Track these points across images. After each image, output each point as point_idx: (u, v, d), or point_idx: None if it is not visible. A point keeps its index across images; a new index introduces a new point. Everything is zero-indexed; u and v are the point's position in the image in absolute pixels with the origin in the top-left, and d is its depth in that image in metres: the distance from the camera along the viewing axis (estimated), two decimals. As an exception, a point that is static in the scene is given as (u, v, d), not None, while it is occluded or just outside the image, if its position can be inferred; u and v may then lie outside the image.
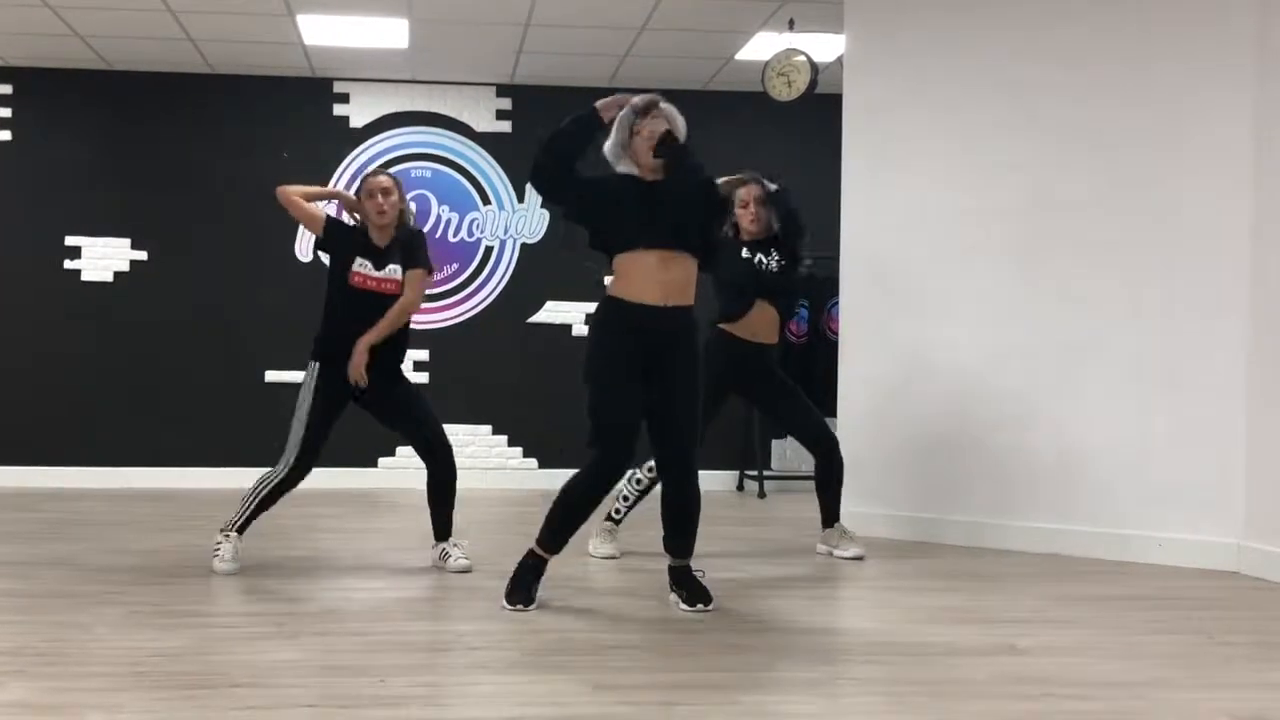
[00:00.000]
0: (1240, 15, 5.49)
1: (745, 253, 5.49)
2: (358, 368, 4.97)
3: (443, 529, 5.21)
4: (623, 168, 4.37)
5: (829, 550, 5.65)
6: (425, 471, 5.19)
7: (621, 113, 4.35)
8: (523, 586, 4.34)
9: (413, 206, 5.43)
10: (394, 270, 5.09)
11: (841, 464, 5.65)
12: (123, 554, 5.53)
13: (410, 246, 5.17)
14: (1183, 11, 5.65)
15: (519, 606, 4.27)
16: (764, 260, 5.51)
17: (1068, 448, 5.86)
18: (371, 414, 5.19)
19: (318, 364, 5.07)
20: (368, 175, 5.20)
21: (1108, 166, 5.79)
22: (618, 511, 5.64)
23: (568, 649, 3.77)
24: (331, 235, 5.13)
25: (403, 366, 5.26)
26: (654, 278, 4.23)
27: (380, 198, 5.07)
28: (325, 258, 5.21)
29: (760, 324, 5.52)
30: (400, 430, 5.30)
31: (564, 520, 4.35)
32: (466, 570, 5.06)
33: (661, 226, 4.24)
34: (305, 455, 5.01)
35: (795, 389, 5.66)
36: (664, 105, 4.38)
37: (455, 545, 5.19)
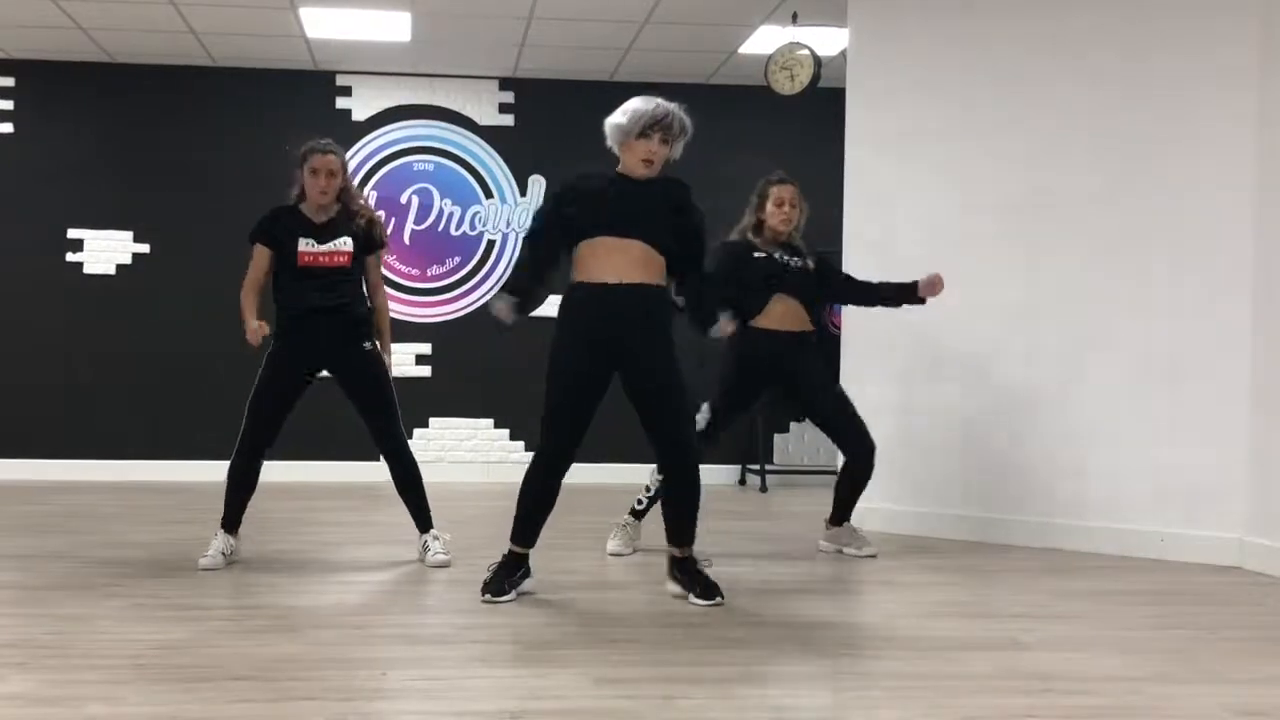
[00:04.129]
0: (1244, 9, 5.48)
1: (759, 254, 5.45)
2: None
3: (421, 522, 5.20)
4: (612, 145, 4.38)
5: (837, 549, 5.61)
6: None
7: (637, 107, 4.31)
8: (496, 580, 4.36)
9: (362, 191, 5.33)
10: (342, 242, 5.01)
11: (871, 468, 5.52)
12: (124, 547, 5.54)
13: (371, 226, 5.12)
14: (1186, 4, 5.64)
15: (487, 597, 4.30)
16: (785, 258, 5.48)
17: (1070, 443, 5.86)
18: (342, 390, 5.11)
19: (270, 348, 5.04)
20: (314, 149, 5.07)
21: (1111, 161, 5.78)
22: (639, 503, 5.58)
23: (568, 642, 3.77)
24: (274, 235, 5.04)
25: (368, 346, 5.09)
26: (607, 259, 4.26)
27: (324, 179, 5.01)
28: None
29: (780, 315, 5.44)
30: (364, 419, 5.16)
31: (526, 513, 4.38)
32: (445, 565, 5.05)
33: (626, 218, 4.27)
34: (246, 437, 5.02)
35: (829, 379, 5.58)
36: (675, 119, 4.31)
37: (435, 539, 5.17)
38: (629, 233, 4.26)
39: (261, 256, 5.07)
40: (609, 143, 4.41)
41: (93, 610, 4.13)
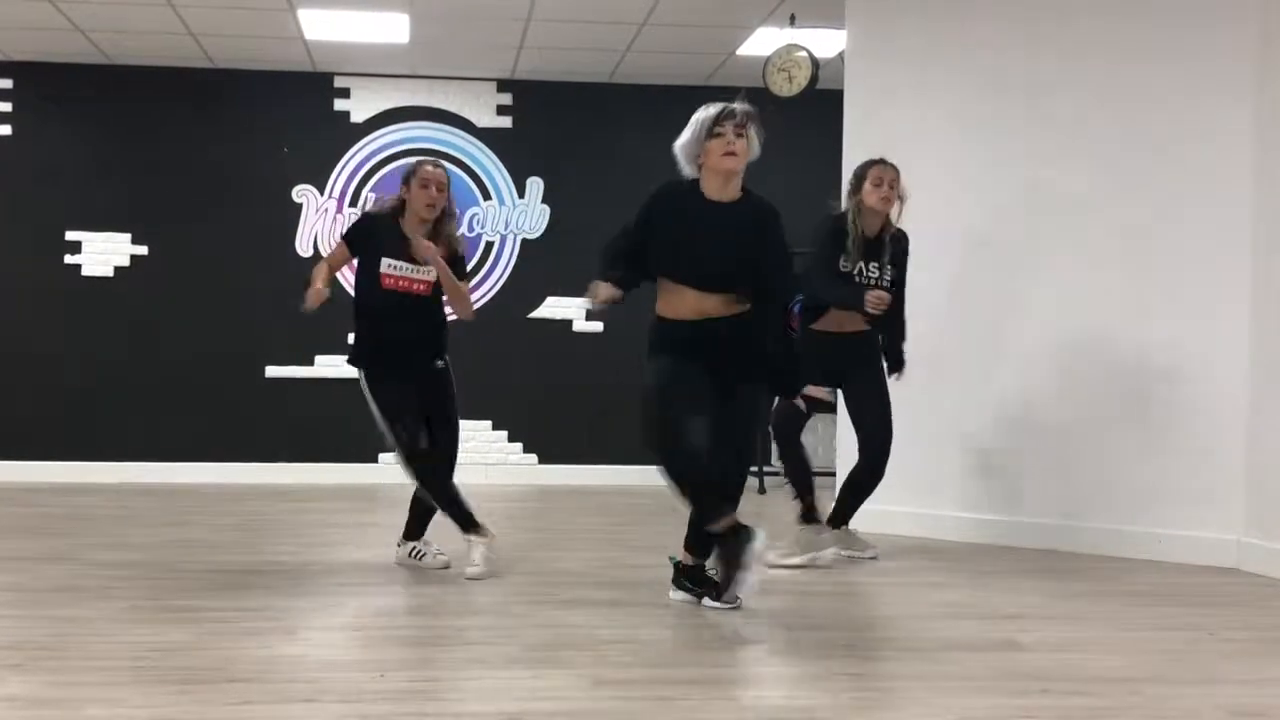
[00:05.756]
0: (1243, 14, 5.48)
1: (844, 264, 5.26)
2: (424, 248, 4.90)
3: (420, 527, 5.14)
4: (689, 171, 4.29)
5: (834, 553, 5.57)
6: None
7: (697, 115, 4.25)
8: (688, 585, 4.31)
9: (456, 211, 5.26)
10: (427, 271, 4.93)
11: (881, 474, 5.44)
12: (123, 549, 5.54)
13: (457, 261, 5.07)
14: (1185, 8, 5.64)
15: (724, 602, 4.17)
16: (864, 271, 5.30)
17: (1068, 443, 5.86)
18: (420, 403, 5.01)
19: (364, 374, 4.95)
20: (424, 162, 5.07)
21: (1108, 163, 5.78)
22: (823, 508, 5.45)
23: (566, 644, 3.76)
24: (361, 245, 4.98)
25: (440, 364, 5.06)
26: (690, 305, 4.20)
27: (434, 190, 4.94)
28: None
29: (841, 316, 5.32)
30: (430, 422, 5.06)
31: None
32: (446, 566, 5.03)
33: (705, 266, 4.17)
34: (411, 449, 4.88)
35: (879, 383, 5.46)
36: (739, 109, 4.28)
37: (428, 543, 5.11)
38: (705, 285, 4.16)
39: (341, 254, 5.02)
40: (685, 169, 4.29)
41: (91, 612, 4.13)
